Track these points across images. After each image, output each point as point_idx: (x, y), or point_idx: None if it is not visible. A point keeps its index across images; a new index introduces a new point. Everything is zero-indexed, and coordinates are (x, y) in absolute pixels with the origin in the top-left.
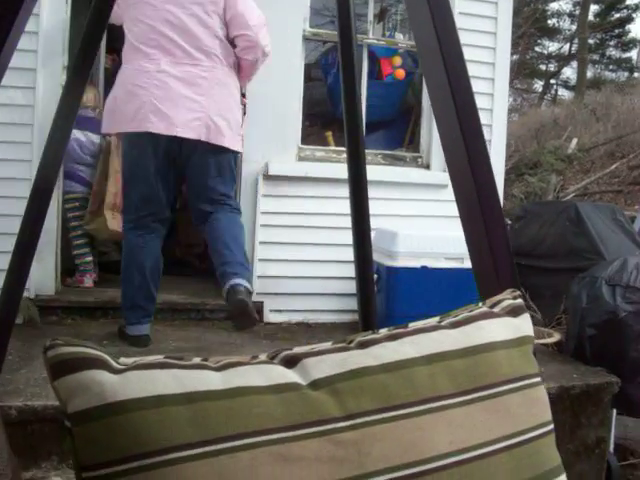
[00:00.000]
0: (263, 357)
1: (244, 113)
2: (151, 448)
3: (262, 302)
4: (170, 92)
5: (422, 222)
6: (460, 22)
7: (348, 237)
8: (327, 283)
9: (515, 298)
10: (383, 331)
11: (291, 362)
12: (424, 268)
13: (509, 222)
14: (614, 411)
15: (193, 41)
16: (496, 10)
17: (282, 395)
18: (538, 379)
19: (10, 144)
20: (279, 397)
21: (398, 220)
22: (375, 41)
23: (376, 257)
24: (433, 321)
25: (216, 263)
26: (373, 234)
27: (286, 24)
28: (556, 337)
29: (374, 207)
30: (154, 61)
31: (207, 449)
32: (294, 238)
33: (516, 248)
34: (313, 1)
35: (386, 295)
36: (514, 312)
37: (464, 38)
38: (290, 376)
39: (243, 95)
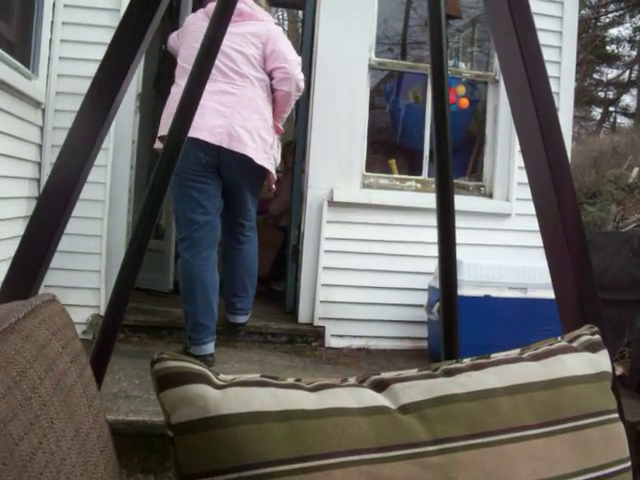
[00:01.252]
0: (353, 380)
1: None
2: (249, 461)
3: (324, 327)
4: (200, 102)
5: (485, 251)
6: None
7: (410, 264)
8: (388, 310)
9: (593, 334)
10: (466, 361)
11: (380, 386)
12: (487, 297)
13: None
14: None
15: (230, 64)
16: (560, 40)
17: (373, 418)
18: (616, 415)
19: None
20: (370, 419)
21: (461, 249)
22: None
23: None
24: (514, 353)
25: (229, 290)
26: (437, 261)
27: (353, 53)
28: (619, 371)
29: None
30: None
31: (302, 465)
32: (357, 264)
33: None
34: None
35: None
36: (593, 348)
37: None
38: (380, 400)
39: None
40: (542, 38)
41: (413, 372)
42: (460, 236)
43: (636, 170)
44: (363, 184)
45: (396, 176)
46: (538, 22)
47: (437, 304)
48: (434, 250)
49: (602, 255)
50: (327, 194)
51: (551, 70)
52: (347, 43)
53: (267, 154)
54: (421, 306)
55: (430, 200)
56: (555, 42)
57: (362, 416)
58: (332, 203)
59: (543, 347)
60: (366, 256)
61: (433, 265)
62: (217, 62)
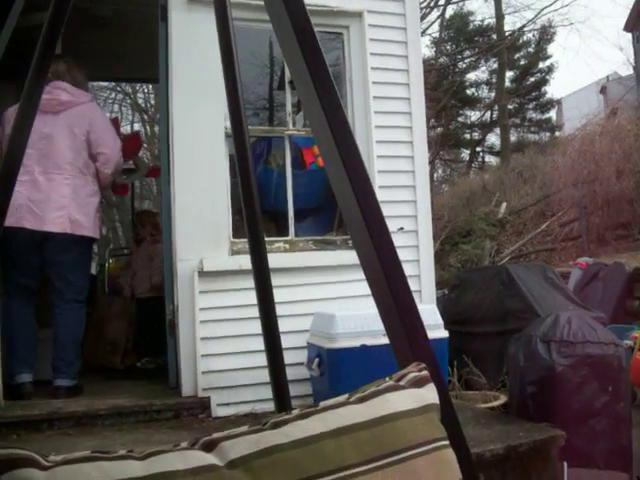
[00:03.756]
0: (184, 444)
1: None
2: None
3: (209, 397)
4: (41, 196)
5: (360, 302)
6: (377, 106)
7: (286, 324)
8: None
9: (420, 370)
10: (296, 411)
11: (209, 446)
12: (364, 347)
13: (446, 292)
14: (565, 464)
15: (60, 155)
16: (408, 91)
17: (200, 476)
18: (445, 442)
19: None
20: (197, 479)
21: (337, 302)
22: (295, 132)
23: (316, 341)
24: (342, 398)
25: (55, 354)
26: (312, 318)
27: (208, 123)
28: (502, 399)
29: (312, 292)
30: (29, 173)
31: None
32: (235, 331)
33: (454, 316)
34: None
35: (329, 377)
36: (418, 383)
37: (382, 122)
38: (208, 459)
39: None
40: (392, 91)
41: (244, 429)
42: (334, 290)
43: (504, 205)
44: (232, 251)
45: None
46: (387, 76)
47: (316, 360)
48: (308, 307)
49: (475, 291)
50: (197, 264)
51: (403, 121)
52: (202, 114)
53: (96, 225)
54: (302, 364)
55: (298, 259)
56: (404, 94)
57: (189, 476)
58: (203, 273)
59: (370, 389)
60: (243, 322)
61: (309, 322)
62: (50, 154)
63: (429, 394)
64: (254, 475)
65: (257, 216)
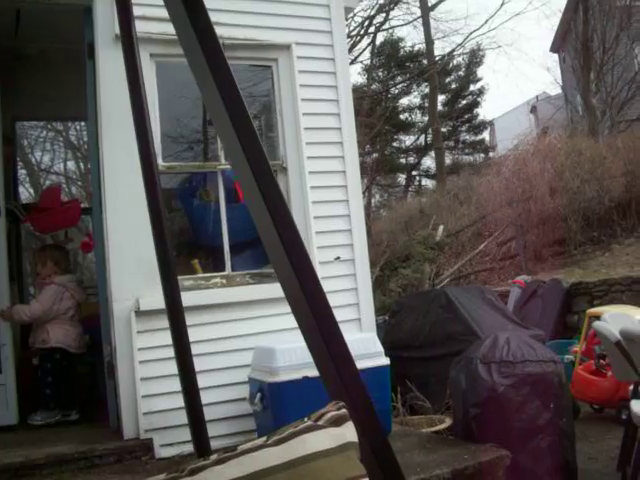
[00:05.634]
0: None
1: None
2: None
3: (151, 439)
4: None
5: (298, 334)
6: (308, 137)
7: (227, 360)
8: (215, 409)
9: (339, 409)
10: (214, 457)
11: None
12: (306, 379)
13: (386, 318)
14: None
15: None
16: (339, 121)
17: None
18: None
19: None
20: None
21: (278, 335)
22: (228, 166)
23: (257, 375)
24: (260, 441)
25: None
26: (252, 352)
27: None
28: (447, 422)
29: (252, 326)
30: None
31: None
32: (175, 369)
33: (396, 342)
34: (169, 129)
35: (272, 411)
36: (337, 422)
37: (314, 153)
38: None
39: None
40: (323, 122)
41: (162, 477)
42: (273, 323)
43: (441, 228)
44: None
45: (200, 275)
46: (317, 107)
47: (258, 394)
48: (247, 342)
49: (415, 316)
50: (133, 304)
51: (335, 151)
52: (132, 150)
53: None
54: (245, 399)
55: (236, 294)
56: (335, 124)
57: None
58: (140, 312)
59: (289, 430)
60: None
61: (249, 357)
62: None
63: (348, 433)
64: None
65: (169, 257)
